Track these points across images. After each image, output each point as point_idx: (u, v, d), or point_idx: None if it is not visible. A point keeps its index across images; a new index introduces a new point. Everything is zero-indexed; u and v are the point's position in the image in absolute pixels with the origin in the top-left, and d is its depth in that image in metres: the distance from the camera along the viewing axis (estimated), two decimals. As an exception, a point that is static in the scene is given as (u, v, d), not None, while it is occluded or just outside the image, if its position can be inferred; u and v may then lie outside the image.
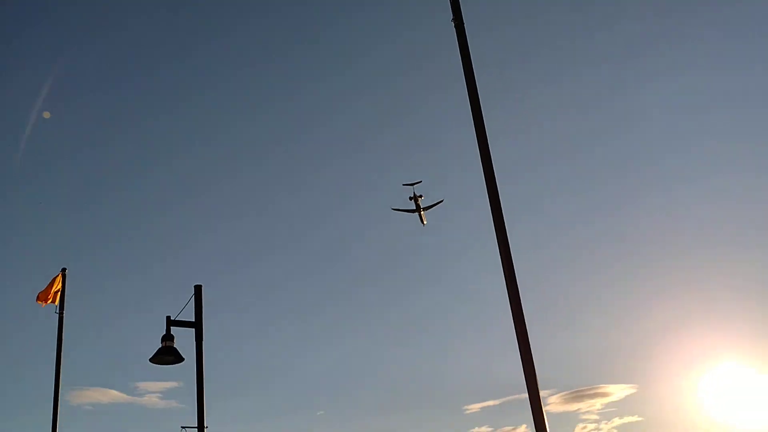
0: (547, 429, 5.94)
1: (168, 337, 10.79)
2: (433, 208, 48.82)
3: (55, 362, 14.58)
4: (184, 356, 10.97)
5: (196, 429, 10.44)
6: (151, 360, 10.70)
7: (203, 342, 10.71)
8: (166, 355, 10.69)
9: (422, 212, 48.58)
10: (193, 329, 10.90)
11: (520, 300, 6.58)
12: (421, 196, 48.04)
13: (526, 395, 6.78)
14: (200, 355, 10.69)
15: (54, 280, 13.94)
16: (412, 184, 48.10)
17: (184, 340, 10.95)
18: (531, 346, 6.47)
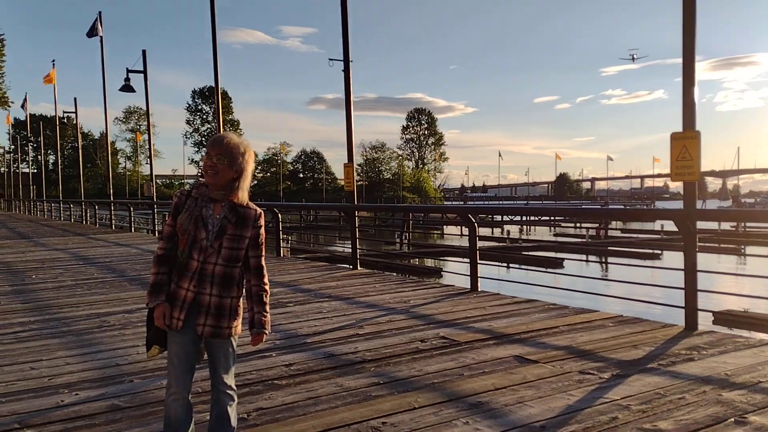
0: (695, 94, 5.49)
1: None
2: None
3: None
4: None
5: (342, 61, 11.18)
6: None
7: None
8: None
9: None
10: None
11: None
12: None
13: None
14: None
15: None
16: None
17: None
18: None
